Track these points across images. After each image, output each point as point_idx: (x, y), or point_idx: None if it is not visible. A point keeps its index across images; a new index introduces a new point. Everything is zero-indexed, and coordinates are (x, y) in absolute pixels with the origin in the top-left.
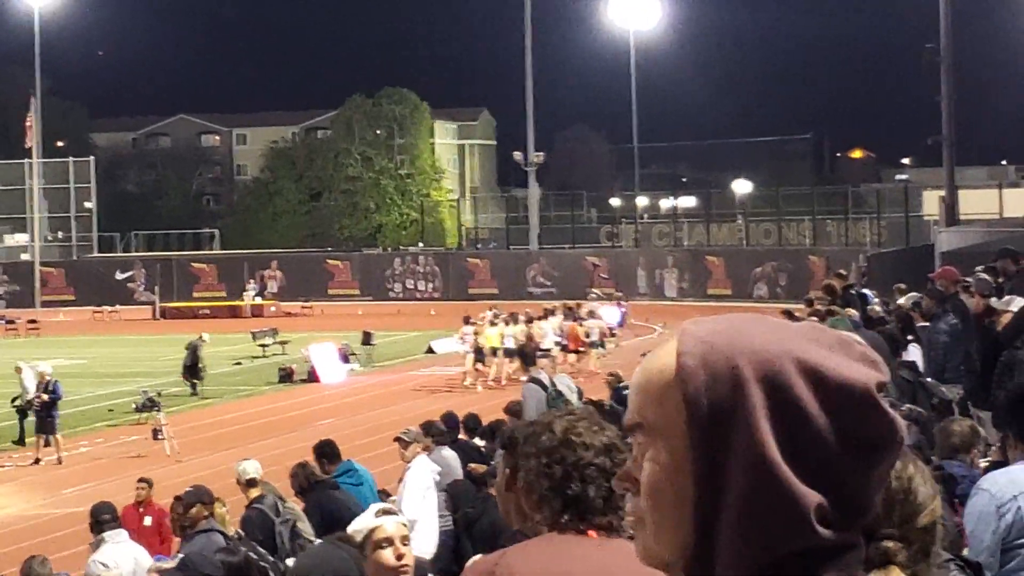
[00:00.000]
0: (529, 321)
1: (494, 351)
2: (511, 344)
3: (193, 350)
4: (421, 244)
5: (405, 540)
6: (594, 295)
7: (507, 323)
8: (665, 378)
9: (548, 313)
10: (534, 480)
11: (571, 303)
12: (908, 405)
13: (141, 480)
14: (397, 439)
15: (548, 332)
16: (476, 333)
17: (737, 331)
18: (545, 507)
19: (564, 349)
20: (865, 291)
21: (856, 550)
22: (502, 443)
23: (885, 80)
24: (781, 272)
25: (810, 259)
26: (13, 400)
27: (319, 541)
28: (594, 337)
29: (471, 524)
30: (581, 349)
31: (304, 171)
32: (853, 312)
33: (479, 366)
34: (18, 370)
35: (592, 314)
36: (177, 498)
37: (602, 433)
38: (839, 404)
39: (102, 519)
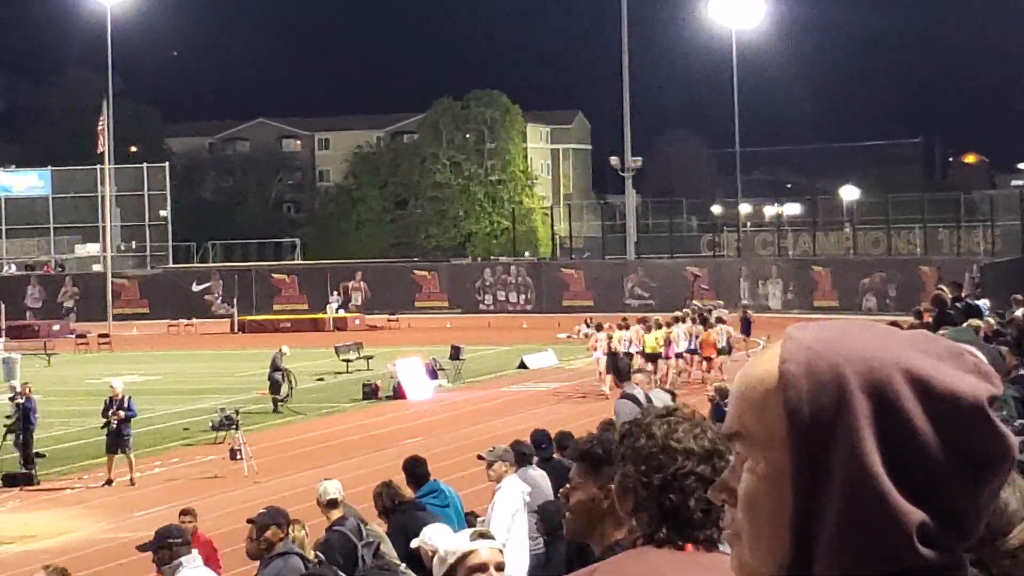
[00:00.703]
0: (667, 326)
1: (653, 356)
2: (684, 345)
3: (274, 364)
4: (523, 254)
5: (500, 567)
6: (694, 307)
7: (648, 329)
8: (766, 385)
9: (678, 319)
10: (630, 487)
11: (705, 308)
12: (1020, 421)
13: (184, 512)
14: (480, 458)
15: (681, 337)
16: (609, 338)
17: (843, 338)
18: (641, 516)
19: (695, 355)
20: (978, 302)
21: (960, 573)
22: (573, 456)
23: (1000, 80)
24: (890, 283)
25: (921, 269)
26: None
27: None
28: (722, 343)
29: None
30: (712, 356)
31: (389, 177)
32: (978, 322)
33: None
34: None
35: (721, 320)
36: (250, 520)
37: (704, 437)
38: (948, 417)
39: (172, 542)
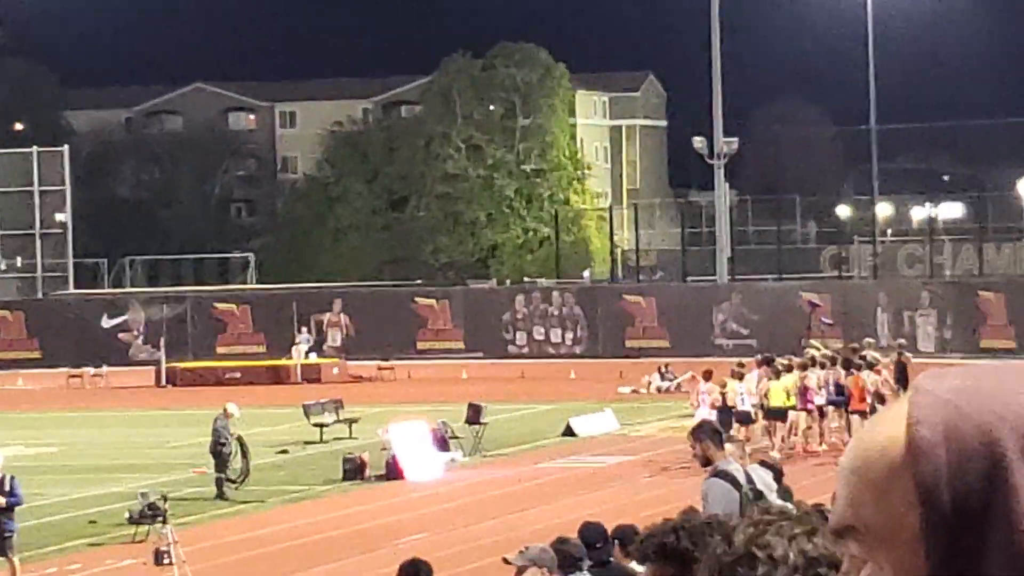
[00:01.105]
0: (801, 368)
1: (779, 412)
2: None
3: (217, 430)
4: (570, 275)
5: None
6: (814, 348)
7: (776, 374)
8: (890, 458)
9: (814, 362)
10: None
11: (851, 347)
12: None
13: None
14: (507, 562)
15: (817, 385)
16: (723, 391)
17: (996, 388)
18: None
19: (840, 407)
20: None
21: None
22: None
23: None
24: None
25: None
26: None
27: None
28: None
29: None
30: (865, 410)
31: (381, 167)
32: None
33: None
34: None
35: (873, 364)
36: None
37: (806, 540)
38: None
39: None
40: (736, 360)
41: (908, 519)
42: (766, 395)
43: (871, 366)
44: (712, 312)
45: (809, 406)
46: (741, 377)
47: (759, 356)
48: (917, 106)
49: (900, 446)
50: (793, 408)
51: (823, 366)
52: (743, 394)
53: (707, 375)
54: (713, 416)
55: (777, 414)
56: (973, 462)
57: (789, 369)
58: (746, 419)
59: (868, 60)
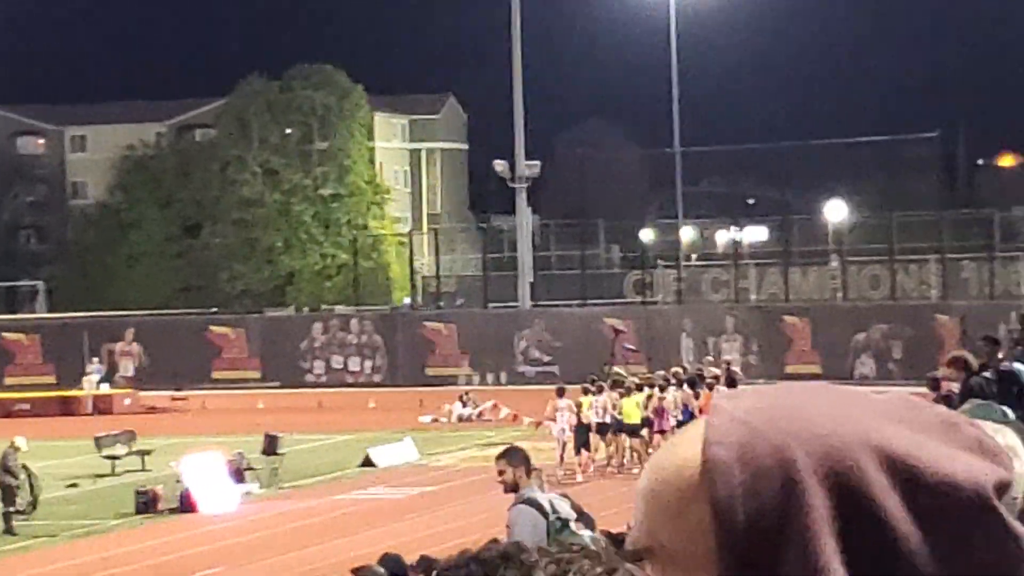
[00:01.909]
0: (651, 388)
1: (634, 428)
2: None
3: (4, 464)
4: (369, 303)
5: None
6: (617, 374)
7: (626, 391)
8: (685, 479)
9: (667, 383)
10: None
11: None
12: None
13: None
14: None
15: (674, 406)
16: (577, 405)
17: (790, 408)
18: None
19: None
20: (1017, 365)
21: None
22: None
23: None
24: (895, 339)
25: (938, 319)
26: None
27: None
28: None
29: None
30: None
31: (175, 192)
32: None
33: (584, 452)
34: None
35: (732, 378)
36: None
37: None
38: (938, 513)
39: None
40: (554, 385)
41: (703, 540)
42: (620, 412)
43: (732, 380)
44: (514, 339)
45: (664, 426)
46: (600, 390)
47: (610, 379)
48: (721, 129)
49: (695, 467)
50: (646, 426)
51: (679, 386)
52: (599, 408)
53: (560, 392)
54: (568, 433)
55: (633, 431)
56: (767, 481)
57: (639, 387)
58: (604, 431)
59: (672, 83)
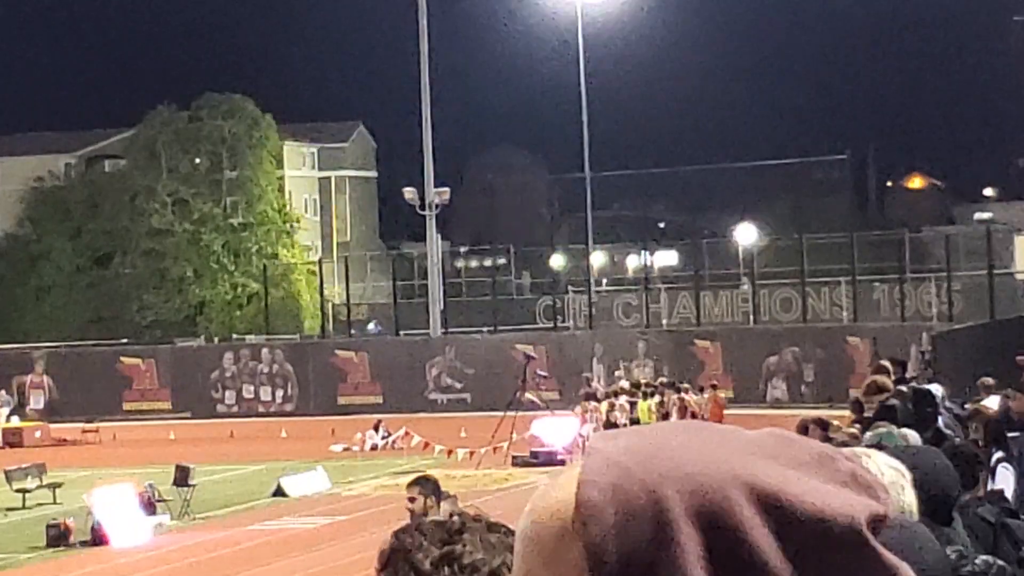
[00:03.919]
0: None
1: None
2: None
3: None
4: (280, 332)
5: None
6: (530, 401)
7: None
8: (560, 521)
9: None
10: None
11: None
12: (983, 557)
13: None
14: None
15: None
16: (611, 406)
17: (663, 448)
18: None
19: None
20: (931, 387)
21: None
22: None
23: (956, 77)
24: (807, 362)
25: (849, 342)
26: None
27: None
28: None
29: None
30: None
31: (85, 223)
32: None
33: None
34: None
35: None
36: None
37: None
38: (811, 547)
39: None
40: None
41: None
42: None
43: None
44: (425, 367)
45: None
46: (650, 395)
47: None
48: (631, 154)
49: (570, 509)
50: None
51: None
52: (626, 410)
53: (589, 396)
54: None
55: None
56: (639, 522)
57: (652, 391)
58: None
59: (581, 108)
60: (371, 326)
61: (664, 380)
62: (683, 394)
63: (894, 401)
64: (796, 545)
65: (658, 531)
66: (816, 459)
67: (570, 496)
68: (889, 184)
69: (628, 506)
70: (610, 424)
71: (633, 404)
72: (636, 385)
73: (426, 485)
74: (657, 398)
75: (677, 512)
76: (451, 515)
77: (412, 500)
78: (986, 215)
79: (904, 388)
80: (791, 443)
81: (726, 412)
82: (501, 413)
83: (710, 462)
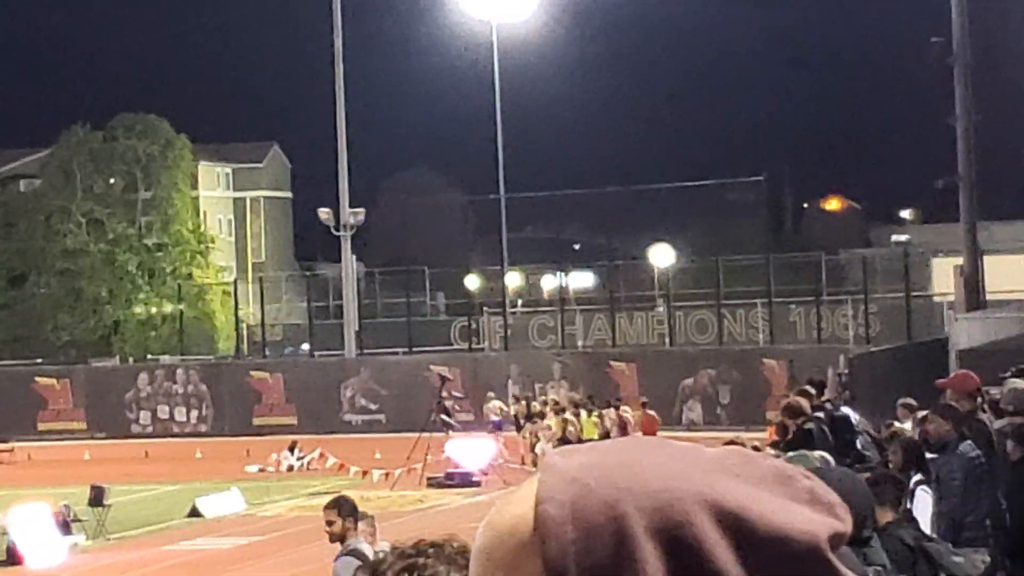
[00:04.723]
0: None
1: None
2: None
3: None
4: (194, 352)
5: None
6: (442, 423)
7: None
8: (518, 538)
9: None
10: None
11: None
12: None
13: None
14: None
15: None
16: (564, 423)
17: (622, 464)
18: None
19: None
20: (847, 410)
21: None
22: None
23: (874, 96)
24: (723, 384)
25: (765, 363)
26: None
27: None
28: None
29: None
30: None
31: None
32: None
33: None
34: None
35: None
36: None
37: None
38: (772, 564)
39: None
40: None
41: None
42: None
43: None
44: (340, 388)
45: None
46: (590, 412)
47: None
48: (546, 175)
49: (529, 525)
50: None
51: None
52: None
53: (532, 415)
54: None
55: None
56: (599, 538)
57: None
58: None
59: (496, 129)
60: (294, 348)
61: (590, 397)
62: (620, 411)
63: (810, 425)
64: (757, 563)
65: (618, 548)
66: (776, 477)
67: (528, 512)
68: (805, 206)
69: (588, 523)
70: (565, 440)
71: (577, 419)
72: (573, 402)
73: (344, 506)
74: (595, 414)
75: (638, 529)
76: (419, 540)
77: (330, 523)
78: (903, 237)
79: (821, 413)
80: (751, 461)
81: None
82: (416, 434)
83: (671, 479)
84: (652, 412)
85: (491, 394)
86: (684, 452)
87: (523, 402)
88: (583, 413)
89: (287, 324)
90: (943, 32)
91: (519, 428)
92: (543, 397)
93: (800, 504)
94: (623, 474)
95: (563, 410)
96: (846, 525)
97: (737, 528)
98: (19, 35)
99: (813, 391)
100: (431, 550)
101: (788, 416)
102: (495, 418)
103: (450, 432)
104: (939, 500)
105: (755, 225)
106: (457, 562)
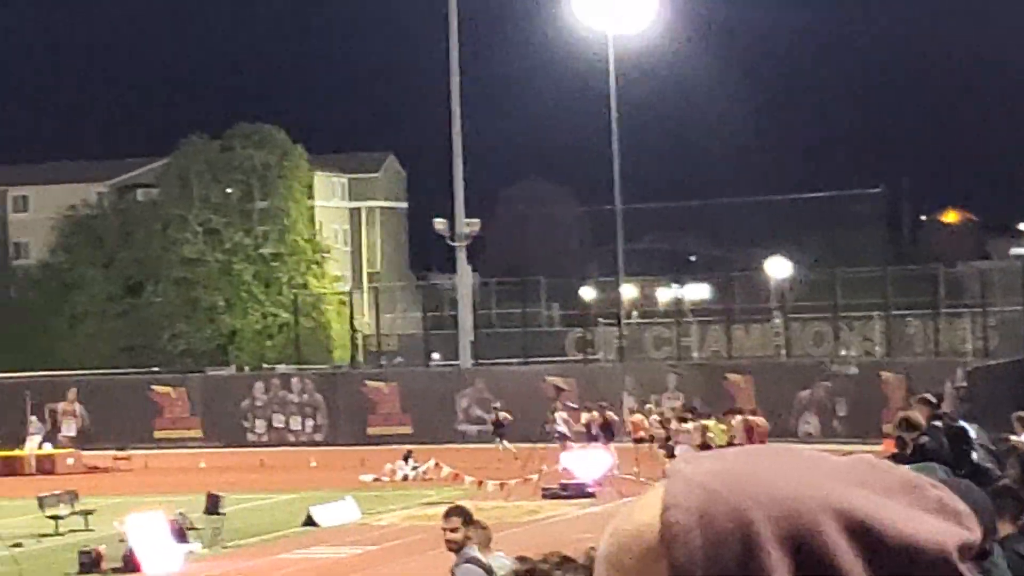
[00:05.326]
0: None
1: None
2: None
3: None
4: (310, 361)
5: None
6: (559, 433)
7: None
8: (645, 544)
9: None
10: None
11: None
12: None
13: None
14: None
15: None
16: (703, 429)
17: (750, 471)
18: None
19: None
20: (965, 424)
21: None
22: None
23: (992, 110)
24: (839, 397)
25: (883, 376)
26: None
27: None
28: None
29: None
30: None
31: (117, 251)
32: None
33: None
34: None
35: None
36: None
37: None
38: (900, 574)
39: None
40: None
41: None
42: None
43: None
44: (455, 397)
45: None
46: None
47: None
48: (662, 186)
49: (655, 531)
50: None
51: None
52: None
53: (682, 418)
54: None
55: None
56: (726, 546)
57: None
58: None
59: (612, 140)
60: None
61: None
62: (747, 417)
63: (926, 439)
64: (885, 572)
65: (746, 555)
66: (904, 486)
67: (655, 519)
68: (923, 218)
69: (715, 530)
70: (705, 446)
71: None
72: (691, 410)
73: (467, 515)
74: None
75: (766, 536)
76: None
77: (454, 530)
78: (1021, 250)
79: (939, 424)
80: (879, 470)
81: None
82: (531, 445)
83: (800, 487)
84: (760, 419)
85: (557, 404)
86: (812, 460)
87: (595, 412)
88: (714, 421)
89: (402, 334)
90: None
91: (593, 439)
92: (658, 408)
93: (929, 513)
94: (751, 481)
95: (684, 419)
96: (975, 535)
97: (865, 537)
98: (138, 45)
99: (934, 399)
100: (550, 559)
101: (904, 429)
102: (561, 428)
103: (566, 443)
104: None
105: (873, 237)
106: (577, 572)
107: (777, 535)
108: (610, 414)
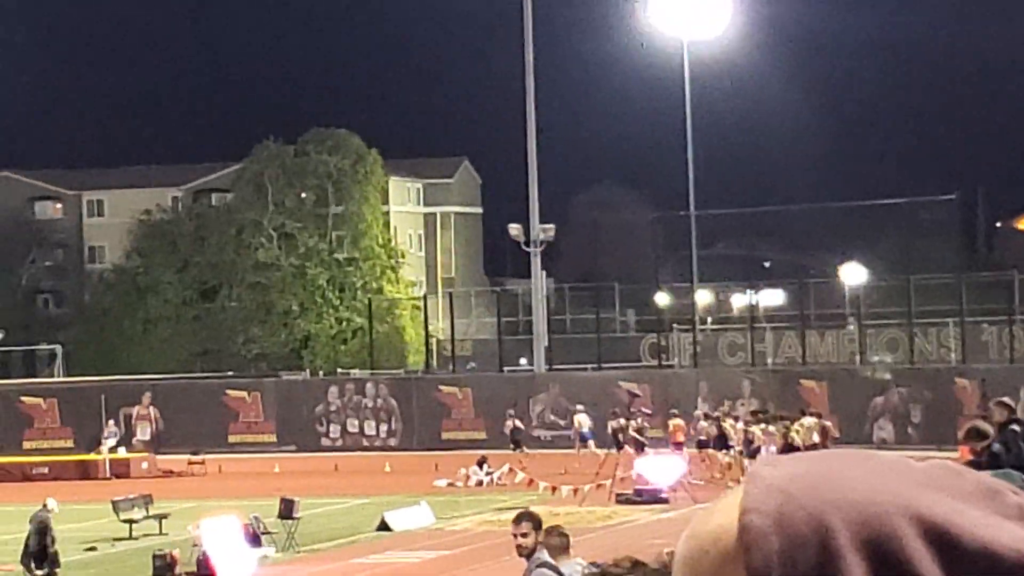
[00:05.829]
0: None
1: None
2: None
3: (40, 527)
4: (384, 366)
5: None
6: (633, 438)
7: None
8: (722, 547)
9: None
10: None
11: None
12: None
13: None
14: None
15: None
16: (785, 430)
17: (828, 476)
18: None
19: None
20: None
21: None
22: None
23: None
24: (914, 403)
25: (957, 383)
26: None
27: None
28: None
29: None
30: None
31: (191, 256)
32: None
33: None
34: None
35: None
36: None
37: None
38: None
39: None
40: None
41: None
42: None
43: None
44: (529, 403)
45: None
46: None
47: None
48: (736, 192)
49: (733, 535)
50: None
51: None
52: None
53: (776, 417)
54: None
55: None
56: (804, 550)
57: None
58: None
59: (687, 145)
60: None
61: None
62: (822, 420)
63: (997, 446)
64: None
65: (823, 560)
66: (984, 492)
67: (732, 522)
68: (998, 225)
69: (793, 534)
70: (789, 447)
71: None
72: (761, 411)
73: (537, 520)
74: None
75: (843, 541)
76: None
77: (525, 535)
78: None
79: (1016, 428)
80: (958, 475)
81: None
82: (605, 450)
83: (878, 491)
84: (828, 423)
85: (579, 406)
86: (891, 465)
87: (622, 419)
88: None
89: (476, 339)
90: None
91: (620, 446)
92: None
93: (1009, 520)
94: (829, 486)
95: (766, 420)
96: None
97: (944, 543)
98: (213, 50)
99: (1011, 403)
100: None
101: (972, 439)
102: (584, 431)
103: (643, 449)
104: None
105: (947, 244)
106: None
107: (855, 540)
108: (727, 423)
